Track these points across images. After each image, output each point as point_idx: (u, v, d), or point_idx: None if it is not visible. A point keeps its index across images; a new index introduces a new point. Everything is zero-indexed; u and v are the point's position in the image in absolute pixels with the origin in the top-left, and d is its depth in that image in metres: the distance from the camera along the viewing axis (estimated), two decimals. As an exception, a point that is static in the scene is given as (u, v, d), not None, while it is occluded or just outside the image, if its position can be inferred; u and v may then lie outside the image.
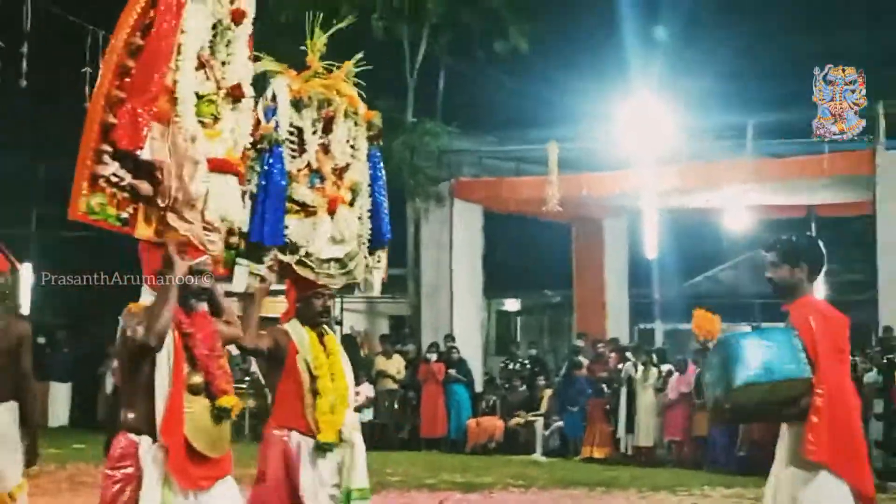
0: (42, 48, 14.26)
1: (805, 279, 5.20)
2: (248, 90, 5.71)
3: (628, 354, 18.56)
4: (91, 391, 22.88)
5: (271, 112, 6.13)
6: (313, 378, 6.32)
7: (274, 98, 6.19)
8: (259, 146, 5.95)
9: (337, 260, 6.56)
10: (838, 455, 4.87)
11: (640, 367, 17.67)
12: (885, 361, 15.16)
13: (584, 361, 18.87)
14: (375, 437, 17.94)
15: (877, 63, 18.52)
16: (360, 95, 6.87)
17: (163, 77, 5.11)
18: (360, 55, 6.85)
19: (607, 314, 23.16)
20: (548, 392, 19.22)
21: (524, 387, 19.82)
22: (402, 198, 21.37)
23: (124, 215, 5.09)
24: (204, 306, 5.33)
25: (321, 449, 6.28)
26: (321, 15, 6.71)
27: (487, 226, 22.51)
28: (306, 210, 6.40)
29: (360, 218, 6.77)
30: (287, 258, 6.25)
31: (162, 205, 5.14)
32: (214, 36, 5.50)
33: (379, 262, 7.00)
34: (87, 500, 12.39)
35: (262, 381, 18.73)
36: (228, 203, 5.48)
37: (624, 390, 17.70)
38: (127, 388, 5.10)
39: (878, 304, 17.44)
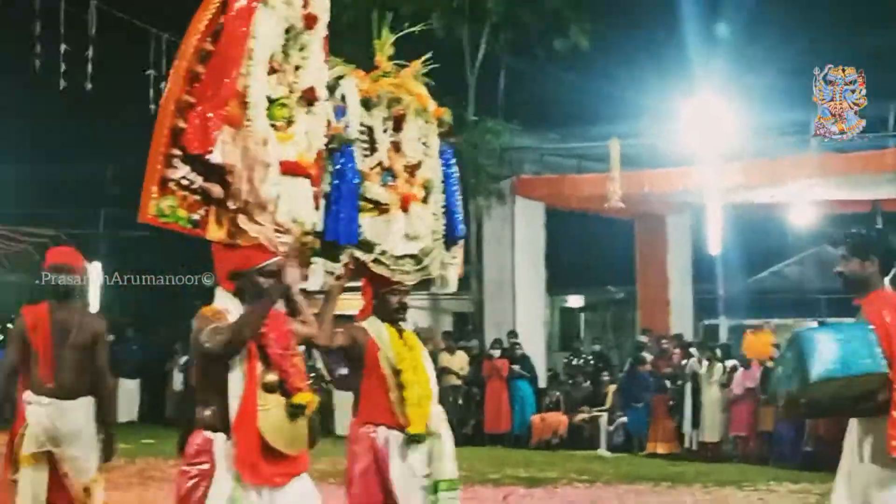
0: (107, 52, 14.46)
1: (876, 273, 5.14)
2: (323, 93, 5.74)
3: (692, 350, 18.50)
4: (159, 387, 23.24)
5: (341, 112, 6.14)
6: (396, 372, 6.37)
7: (343, 98, 6.20)
8: (330, 146, 5.97)
9: (411, 256, 6.59)
10: None
11: (705, 363, 17.60)
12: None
13: (648, 357, 18.82)
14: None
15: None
16: (426, 94, 6.91)
17: (233, 82, 5.14)
18: (428, 55, 6.89)
19: (671, 310, 23.08)
20: (612, 388, 19.19)
21: (588, 382, 19.83)
22: (464, 195, 21.40)
23: (195, 218, 5.13)
24: (278, 306, 5.37)
25: (412, 441, 6.34)
26: (390, 15, 6.78)
27: (549, 223, 22.51)
28: (380, 208, 6.43)
29: (434, 214, 6.79)
30: (363, 256, 6.28)
31: (233, 207, 5.18)
32: (287, 40, 5.52)
33: (454, 258, 7.02)
34: (156, 494, 12.59)
35: (327, 378, 19.06)
36: (300, 205, 5.50)
37: (689, 386, 17.65)
38: (201, 387, 5.14)
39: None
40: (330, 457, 12.63)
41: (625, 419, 18.51)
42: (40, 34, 13.81)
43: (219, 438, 5.01)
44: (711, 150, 19.11)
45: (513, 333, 20.42)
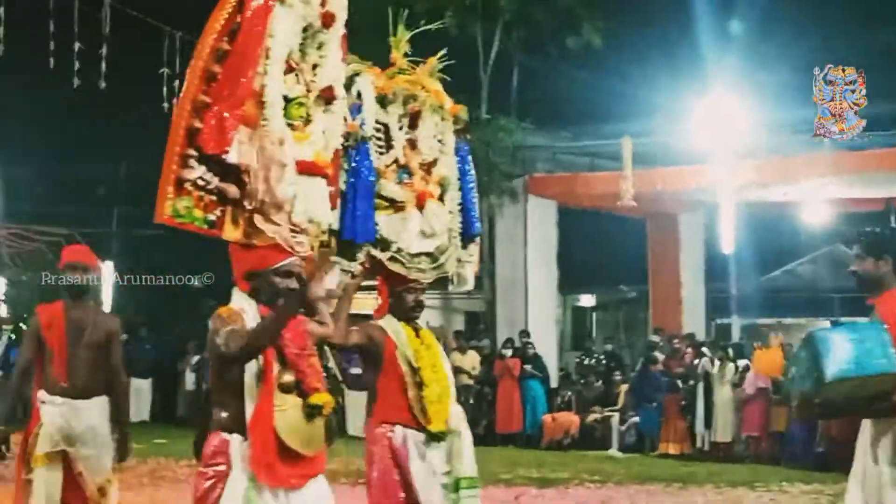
0: (120, 50, 14.48)
1: (890, 272, 5.12)
2: (341, 92, 5.71)
3: (704, 350, 18.47)
4: (171, 387, 23.30)
5: (356, 109, 6.11)
6: (414, 371, 6.34)
7: (359, 96, 6.17)
8: (346, 144, 5.94)
9: (427, 254, 6.56)
10: None
11: (717, 363, 17.58)
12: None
13: (660, 357, 18.80)
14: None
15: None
16: (440, 91, 6.88)
17: (250, 81, 5.12)
18: (443, 51, 6.86)
19: (683, 309, 23.04)
20: (624, 387, 19.19)
21: (600, 382, 19.82)
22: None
23: (211, 218, 5.10)
24: None
25: (433, 439, 6.32)
26: (405, 12, 6.77)
27: (562, 221, 22.52)
28: (395, 206, 6.41)
29: (450, 212, 6.76)
30: (379, 254, 6.26)
31: (249, 207, 5.16)
32: (305, 39, 5.49)
33: (471, 256, 6.99)
34: (167, 494, 12.60)
35: (339, 378, 19.07)
36: (316, 205, 5.46)
37: (701, 386, 17.63)
38: (217, 388, 5.13)
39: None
40: (342, 457, 12.65)
41: (636, 419, 18.50)
42: (54, 33, 13.84)
43: (235, 439, 4.98)
44: (724, 148, 19.09)
45: (525, 333, 20.42)
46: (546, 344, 21.11)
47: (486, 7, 23.11)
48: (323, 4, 5.58)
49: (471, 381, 19.84)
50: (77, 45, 13.78)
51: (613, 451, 18.04)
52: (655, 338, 20.34)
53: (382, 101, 6.41)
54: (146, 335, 23.66)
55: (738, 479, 14.46)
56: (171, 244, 18.95)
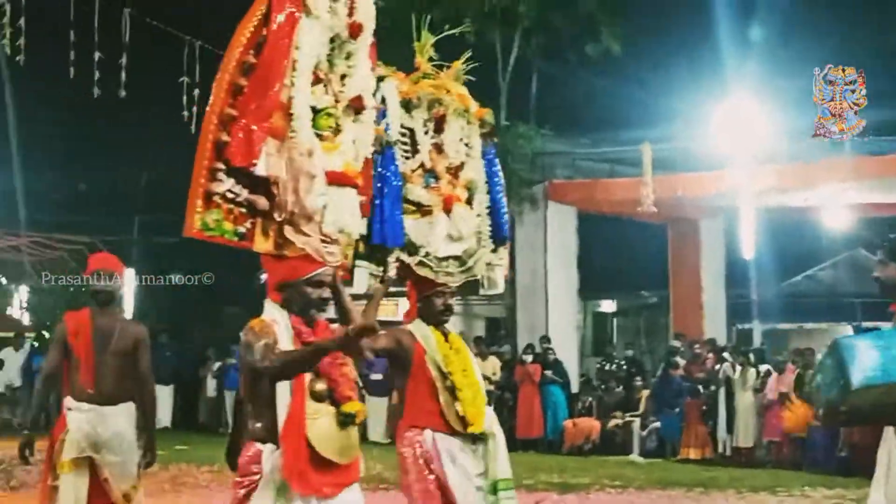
0: (140, 60, 14.55)
1: (913, 277, 5.08)
2: (370, 101, 5.72)
3: (725, 355, 18.45)
4: (192, 393, 23.36)
5: (381, 114, 6.10)
6: (444, 375, 6.32)
7: (384, 101, 6.16)
8: (372, 150, 5.94)
9: (455, 258, 6.57)
10: None
11: (738, 368, 17.56)
12: None
13: (681, 362, 18.79)
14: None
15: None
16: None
17: (277, 94, 5.13)
18: (467, 55, 6.88)
19: (704, 314, 23.02)
20: (645, 393, 19.18)
21: (621, 388, 19.82)
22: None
23: (241, 230, 5.13)
24: (323, 316, 5.34)
25: (475, 440, 6.32)
26: (429, 17, 6.79)
27: (582, 227, 22.52)
28: (422, 210, 6.42)
29: (478, 216, 6.76)
30: (407, 259, 6.26)
31: (279, 219, 5.17)
32: (332, 49, 5.51)
33: (501, 259, 6.97)
34: (189, 500, 12.62)
35: (359, 384, 19.12)
36: (346, 215, 5.48)
37: (722, 391, 17.61)
38: (250, 399, 5.12)
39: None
40: (361, 462, 12.65)
41: (658, 424, 18.47)
42: (74, 42, 13.90)
43: (267, 449, 4.99)
44: (744, 154, 19.08)
45: (545, 338, 20.43)
46: (566, 349, 21.11)
47: (505, 14, 23.12)
48: (350, 15, 5.60)
49: (491, 387, 19.82)
50: (97, 55, 13.85)
51: (634, 457, 18.03)
52: (676, 343, 20.31)
53: (407, 106, 6.42)
54: (167, 342, 23.70)
55: (760, 484, 14.44)
56: (192, 251, 19.03)
